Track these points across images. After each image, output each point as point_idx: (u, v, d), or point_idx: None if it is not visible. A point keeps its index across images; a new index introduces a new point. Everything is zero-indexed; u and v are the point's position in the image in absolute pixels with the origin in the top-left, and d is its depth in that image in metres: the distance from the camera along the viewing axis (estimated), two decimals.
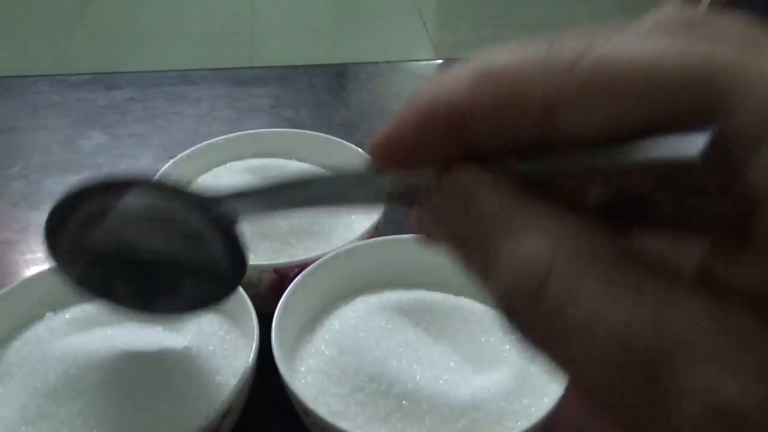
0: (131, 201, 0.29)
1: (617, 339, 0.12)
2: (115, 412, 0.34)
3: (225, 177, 0.50)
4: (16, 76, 0.77)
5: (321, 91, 0.75)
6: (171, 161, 0.51)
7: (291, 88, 0.75)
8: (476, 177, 0.15)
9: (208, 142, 0.53)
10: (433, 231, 0.16)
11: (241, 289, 0.40)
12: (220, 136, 0.53)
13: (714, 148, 0.12)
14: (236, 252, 0.29)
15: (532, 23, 2.09)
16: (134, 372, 0.35)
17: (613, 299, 0.12)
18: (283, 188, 0.23)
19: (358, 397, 0.36)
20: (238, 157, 0.52)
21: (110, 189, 0.29)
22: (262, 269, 0.42)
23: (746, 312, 0.11)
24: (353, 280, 0.43)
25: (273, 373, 0.36)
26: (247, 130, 0.56)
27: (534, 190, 0.14)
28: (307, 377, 0.38)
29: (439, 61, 0.80)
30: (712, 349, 0.11)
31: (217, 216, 0.27)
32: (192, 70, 0.79)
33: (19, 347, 0.38)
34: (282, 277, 0.42)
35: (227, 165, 0.51)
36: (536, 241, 0.13)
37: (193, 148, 0.52)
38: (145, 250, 0.31)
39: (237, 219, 0.27)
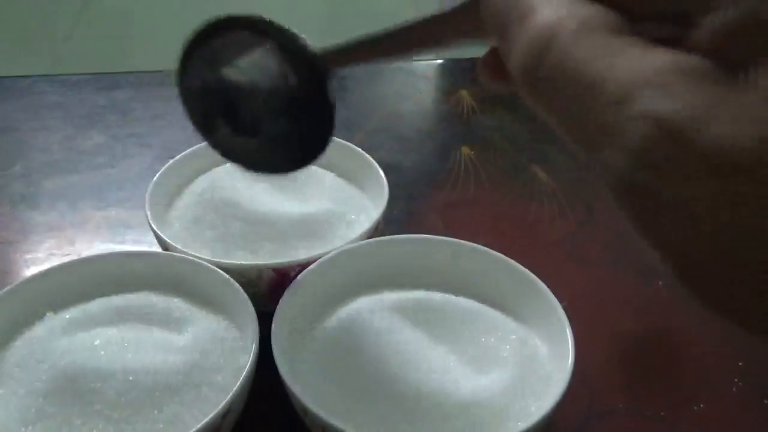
0: (247, 44, 0.34)
1: (600, 78, 0.16)
2: (115, 412, 0.34)
3: (225, 177, 0.50)
4: (16, 76, 0.77)
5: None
6: (171, 161, 0.51)
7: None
8: None
9: None
10: (491, 23, 0.19)
11: (241, 289, 0.40)
12: None
13: None
14: (327, 112, 0.33)
15: None
16: (134, 372, 0.35)
17: (601, 52, 0.16)
18: (374, 40, 0.28)
19: (358, 397, 0.36)
20: None
21: (234, 27, 0.34)
22: (262, 269, 0.42)
23: (699, 63, 0.15)
24: (353, 280, 0.43)
25: (273, 373, 0.36)
26: None
27: None
28: (307, 377, 0.38)
29: (440, 61, 0.80)
30: (671, 83, 0.15)
31: (314, 66, 0.31)
32: None
33: (19, 347, 0.38)
34: (282, 276, 0.42)
35: (227, 165, 0.51)
36: (548, 11, 0.17)
37: (193, 148, 0.52)
38: (251, 98, 0.35)
39: (330, 74, 0.31)
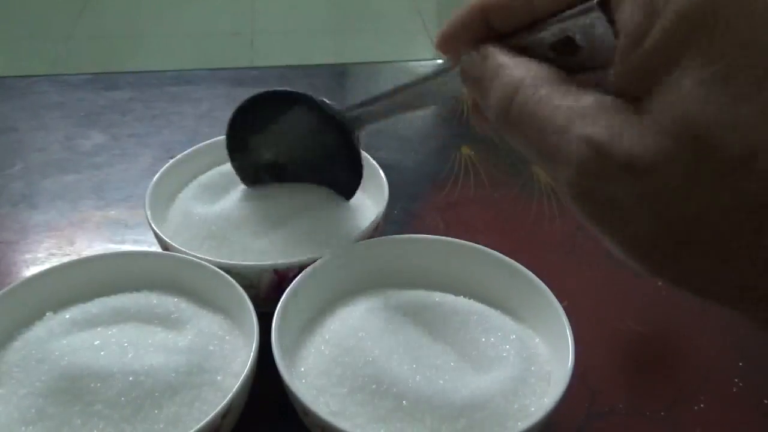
0: (290, 114, 0.44)
1: (550, 115, 0.22)
2: (115, 412, 0.34)
3: (224, 177, 0.50)
4: (16, 76, 0.77)
5: (321, 91, 0.75)
6: (171, 161, 0.51)
7: (291, 88, 0.75)
8: (487, 47, 0.26)
9: (208, 142, 0.53)
10: (470, 87, 0.27)
11: (241, 289, 0.40)
12: (220, 136, 0.53)
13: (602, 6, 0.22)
14: (355, 161, 0.43)
15: None
16: (134, 372, 0.35)
17: (551, 98, 0.22)
18: (385, 96, 0.36)
19: (358, 397, 0.36)
20: None
21: (277, 99, 0.43)
22: (262, 269, 0.42)
23: (617, 98, 0.21)
24: (353, 280, 0.43)
25: (273, 373, 0.36)
26: None
27: (518, 52, 0.25)
28: (307, 377, 0.38)
29: (439, 61, 0.80)
30: (595, 115, 0.21)
31: (342, 126, 0.41)
32: (192, 70, 0.79)
33: (19, 347, 0.38)
34: (282, 277, 0.42)
35: (227, 165, 0.51)
36: (512, 73, 0.24)
37: (193, 148, 0.52)
38: (293, 153, 0.45)
39: (357, 128, 0.41)
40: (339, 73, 0.83)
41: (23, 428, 0.34)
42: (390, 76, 0.79)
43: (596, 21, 0.23)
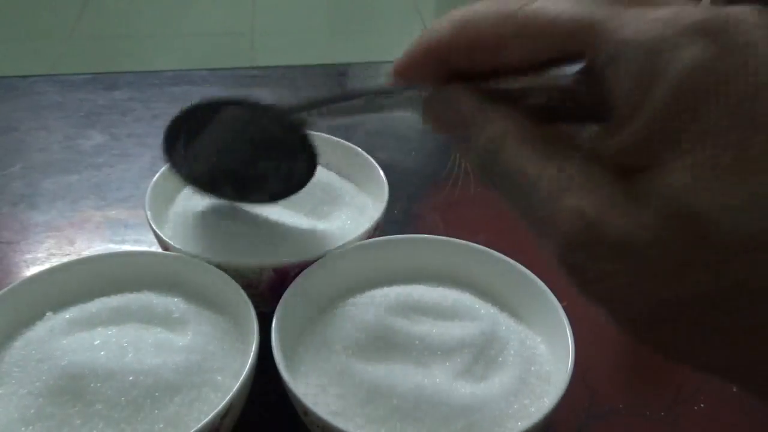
0: (228, 116, 0.40)
1: (536, 180, 0.21)
2: (115, 412, 0.34)
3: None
4: (16, 76, 0.77)
5: (321, 91, 0.75)
6: None
7: (291, 88, 0.75)
8: (458, 90, 0.24)
9: None
10: (434, 124, 0.25)
11: (241, 289, 0.40)
12: None
13: (588, 70, 0.21)
14: (308, 150, 0.39)
15: None
16: (134, 372, 0.35)
17: (535, 160, 0.21)
18: (335, 100, 0.32)
19: (358, 397, 0.36)
20: None
21: (212, 107, 0.39)
22: (262, 269, 0.42)
23: (607, 168, 0.20)
24: (353, 280, 0.43)
25: (273, 373, 0.36)
26: None
27: (494, 98, 0.23)
28: (307, 377, 0.38)
29: None
30: (585, 185, 0.20)
31: (290, 123, 0.37)
32: (192, 70, 0.79)
33: (19, 347, 0.38)
34: (282, 276, 0.42)
35: None
36: (493, 129, 0.22)
37: None
38: (239, 154, 0.42)
39: (305, 124, 0.37)
40: (339, 73, 0.83)
41: (23, 428, 0.34)
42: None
43: (578, 86, 0.23)
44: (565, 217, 0.20)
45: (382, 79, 0.35)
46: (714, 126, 0.18)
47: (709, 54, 0.18)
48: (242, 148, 0.41)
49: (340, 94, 0.35)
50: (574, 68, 0.23)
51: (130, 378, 0.35)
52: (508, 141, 0.22)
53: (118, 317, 0.40)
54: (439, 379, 0.36)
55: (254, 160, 0.41)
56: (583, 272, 0.20)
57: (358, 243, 0.43)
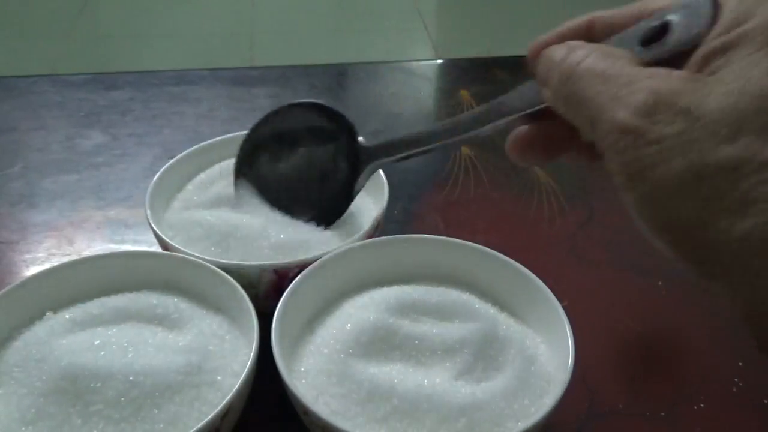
0: (304, 124, 0.45)
1: (619, 73, 0.26)
2: (115, 412, 0.34)
3: (223, 177, 0.50)
4: (16, 76, 0.77)
5: (321, 91, 0.75)
6: (171, 161, 0.51)
7: (291, 88, 0.75)
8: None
9: (207, 142, 0.53)
10: (539, 75, 0.31)
11: (241, 289, 0.40)
12: (220, 136, 0.53)
13: None
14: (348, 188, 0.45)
15: (532, 23, 2.08)
16: (134, 372, 0.35)
17: (621, 61, 0.27)
18: (416, 147, 0.40)
19: (358, 397, 0.36)
20: None
21: (324, 114, 0.45)
22: (262, 269, 0.42)
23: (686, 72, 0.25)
24: (353, 280, 0.43)
25: (273, 373, 0.36)
26: (247, 130, 0.56)
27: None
28: (307, 377, 0.38)
29: (439, 61, 0.80)
30: (666, 76, 0.25)
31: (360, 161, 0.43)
32: (192, 70, 0.79)
33: (19, 347, 0.38)
34: (282, 277, 0.42)
35: (227, 164, 0.51)
36: (571, 59, 0.28)
37: (192, 148, 0.52)
38: (300, 172, 0.46)
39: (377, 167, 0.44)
40: (339, 73, 0.83)
41: (23, 428, 0.34)
42: (390, 76, 0.79)
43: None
44: (641, 93, 0.24)
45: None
46: None
47: None
48: (307, 171, 0.46)
49: (420, 138, 0.41)
50: None
51: (130, 378, 0.35)
52: (600, 49, 0.28)
53: (118, 317, 0.40)
54: (439, 379, 0.36)
55: (311, 185, 0.46)
56: (644, 134, 0.23)
57: (358, 243, 0.43)
